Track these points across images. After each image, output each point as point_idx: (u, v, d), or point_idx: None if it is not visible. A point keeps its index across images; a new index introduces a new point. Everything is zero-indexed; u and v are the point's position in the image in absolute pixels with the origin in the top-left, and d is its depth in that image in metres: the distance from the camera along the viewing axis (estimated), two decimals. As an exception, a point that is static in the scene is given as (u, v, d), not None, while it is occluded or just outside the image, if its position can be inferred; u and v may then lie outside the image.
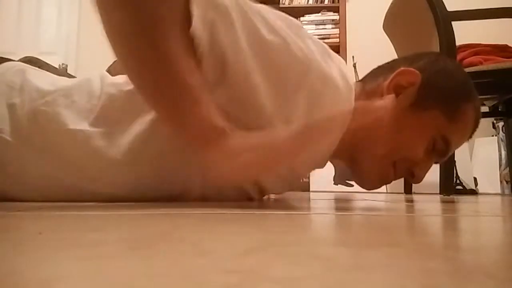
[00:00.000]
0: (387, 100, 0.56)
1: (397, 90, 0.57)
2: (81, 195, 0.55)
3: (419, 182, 0.60)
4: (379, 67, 0.63)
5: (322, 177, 2.10)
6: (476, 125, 0.61)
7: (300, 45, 0.49)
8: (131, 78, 0.45)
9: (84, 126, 0.53)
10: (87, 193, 0.54)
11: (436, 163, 0.62)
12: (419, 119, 0.56)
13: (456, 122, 0.57)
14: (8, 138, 0.54)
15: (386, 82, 0.57)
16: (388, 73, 0.58)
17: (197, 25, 0.43)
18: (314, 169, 0.63)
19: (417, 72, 0.56)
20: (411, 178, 0.59)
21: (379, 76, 0.60)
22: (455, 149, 0.61)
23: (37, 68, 0.63)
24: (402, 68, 0.57)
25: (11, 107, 0.55)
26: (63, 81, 0.60)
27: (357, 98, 0.55)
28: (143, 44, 0.42)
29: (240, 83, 0.47)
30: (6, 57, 0.67)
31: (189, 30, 0.43)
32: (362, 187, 0.62)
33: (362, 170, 0.60)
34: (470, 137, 0.62)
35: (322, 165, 0.61)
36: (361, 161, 0.59)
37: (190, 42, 0.43)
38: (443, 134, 0.56)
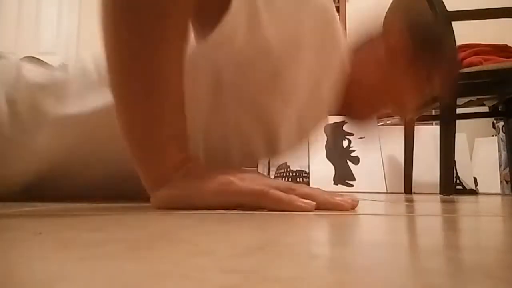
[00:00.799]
0: (376, 58, 0.62)
1: (387, 51, 0.62)
2: (77, 185, 0.56)
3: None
4: (366, 30, 0.70)
5: (322, 177, 2.11)
6: (457, 65, 0.71)
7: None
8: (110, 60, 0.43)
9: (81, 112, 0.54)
10: (84, 182, 0.57)
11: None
12: (407, 67, 0.62)
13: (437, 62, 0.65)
14: (8, 132, 0.55)
15: (376, 42, 0.64)
16: (376, 36, 0.65)
17: None
18: (320, 120, 0.67)
19: (404, 32, 0.63)
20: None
21: (368, 39, 0.67)
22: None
23: (31, 65, 0.64)
24: (390, 29, 0.64)
25: (10, 102, 0.56)
26: (58, 72, 0.61)
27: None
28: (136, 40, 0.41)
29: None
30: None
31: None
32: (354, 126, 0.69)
33: (353, 112, 0.67)
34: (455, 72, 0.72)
35: (325, 115, 0.66)
36: (358, 107, 0.65)
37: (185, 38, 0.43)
38: (428, 73, 0.63)
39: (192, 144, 0.47)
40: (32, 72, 0.59)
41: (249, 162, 0.66)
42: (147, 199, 0.43)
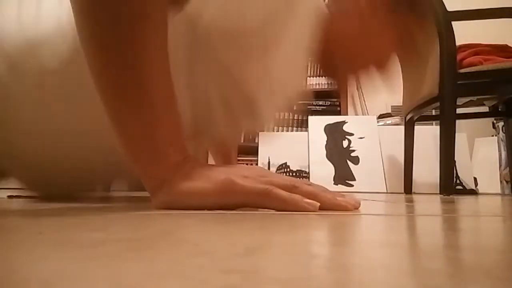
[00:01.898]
0: (362, 8, 0.62)
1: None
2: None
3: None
4: None
5: (322, 177, 2.11)
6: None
7: None
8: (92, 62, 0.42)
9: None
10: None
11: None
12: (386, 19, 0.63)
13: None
14: None
15: None
16: None
17: None
18: (300, 83, 0.68)
19: None
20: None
21: None
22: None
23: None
24: None
25: None
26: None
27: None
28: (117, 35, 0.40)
29: None
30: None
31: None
32: (334, 85, 0.69)
33: (333, 70, 0.66)
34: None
35: (304, 78, 0.67)
36: (333, 62, 0.65)
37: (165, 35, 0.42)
38: (407, 27, 0.65)
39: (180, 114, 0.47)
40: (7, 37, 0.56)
41: (233, 131, 0.67)
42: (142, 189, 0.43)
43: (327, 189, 0.43)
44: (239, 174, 0.41)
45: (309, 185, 0.43)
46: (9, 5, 0.58)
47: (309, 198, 0.40)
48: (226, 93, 0.58)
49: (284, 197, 0.39)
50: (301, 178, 2.17)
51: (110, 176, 0.65)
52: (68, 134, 0.57)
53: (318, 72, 2.71)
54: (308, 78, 2.71)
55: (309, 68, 2.72)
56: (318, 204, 0.39)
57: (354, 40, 0.62)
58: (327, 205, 0.40)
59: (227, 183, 0.40)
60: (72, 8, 0.41)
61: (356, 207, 0.43)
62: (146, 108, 0.41)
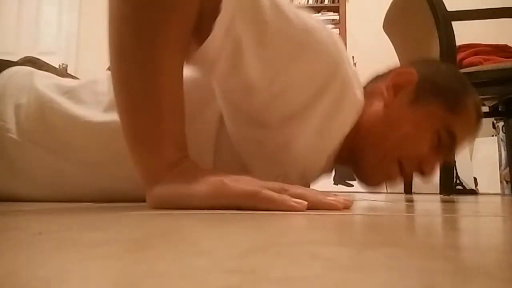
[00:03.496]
0: (387, 100, 0.58)
1: (396, 89, 0.58)
2: (84, 189, 0.56)
3: (429, 179, 0.61)
4: (377, 75, 0.66)
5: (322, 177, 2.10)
6: (478, 118, 0.63)
7: (330, 45, 0.50)
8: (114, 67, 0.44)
9: (92, 116, 0.56)
10: (90, 185, 0.57)
11: (445, 160, 0.62)
12: (420, 114, 0.58)
13: (458, 113, 0.58)
14: (15, 137, 0.56)
15: (385, 83, 0.60)
16: (386, 76, 0.61)
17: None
18: (321, 173, 0.64)
19: (414, 70, 0.59)
20: (421, 175, 0.60)
21: (378, 80, 0.63)
22: (462, 144, 0.61)
23: (44, 72, 0.65)
24: (399, 69, 0.59)
25: (18, 107, 0.58)
26: (69, 82, 0.63)
27: None
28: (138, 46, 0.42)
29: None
30: (6, 58, 0.67)
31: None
32: (367, 186, 0.63)
33: (366, 168, 0.61)
34: (475, 131, 0.63)
35: (328, 169, 0.62)
36: (365, 160, 0.60)
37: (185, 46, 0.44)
38: (447, 126, 0.58)
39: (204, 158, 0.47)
40: (43, 80, 0.60)
41: None
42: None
43: (318, 191, 0.44)
44: (231, 178, 0.42)
45: (299, 188, 0.43)
46: None
47: (298, 199, 0.40)
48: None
49: (273, 197, 0.40)
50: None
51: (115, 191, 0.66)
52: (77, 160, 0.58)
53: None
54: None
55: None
56: (306, 203, 0.39)
57: (384, 133, 0.57)
58: (316, 205, 0.41)
59: (217, 185, 0.41)
60: (108, 10, 0.43)
61: (347, 206, 0.43)
62: (154, 104, 0.43)
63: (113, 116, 0.52)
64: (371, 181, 0.62)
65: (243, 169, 0.55)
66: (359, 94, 0.55)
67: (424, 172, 0.59)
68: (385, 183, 0.62)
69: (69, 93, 0.59)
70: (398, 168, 0.59)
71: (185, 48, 0.44)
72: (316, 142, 0.54)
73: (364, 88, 0.61)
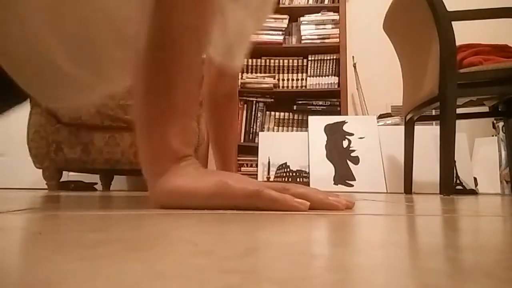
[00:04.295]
0: None
1: None
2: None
3: None
4: None
5: (322, 177, 2.11)
6: None
7: None
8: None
9: None
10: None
11: None
12: None
13: None
14: None
15: None
16: None
17: None
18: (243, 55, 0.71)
19: None
20: None
21: None
22: None
23: None
24: None
25: None
26: None
27: None
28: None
29: None
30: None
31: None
32: None
33: None
34: None
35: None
36: None
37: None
38: None
39: None
40: None
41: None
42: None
43: (320, 191, 0.44)
44: (233, 178, 0.42)
45: (301, 187, 0.43)
46: None
47: (300, 199, 0.40)
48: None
49: (275, 197, 0.40)
50: (301, 178, 2.17)
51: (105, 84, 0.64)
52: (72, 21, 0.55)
53: (318, 73, 2.72)
54: (308, 78, 2.71)
55: (309, 69, 2.72)
56: (309, 203, 0.40)
57: None
58: (318, 205, 0.41)
59: (219, 185, 0.41)
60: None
61: (348, 207, 0.43)
62: (171, 101, 0.44)
63: None
64: None
65: None
66: None
67: None
68: None
69: None
70: None
71: (200, 70, 0.48)
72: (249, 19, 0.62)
73: None
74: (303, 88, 2.72)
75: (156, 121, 0.44)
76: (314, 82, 2.72)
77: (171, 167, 0.43)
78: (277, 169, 2.27)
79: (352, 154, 2.19)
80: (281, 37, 2.71)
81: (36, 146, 1.79)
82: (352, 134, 2.27)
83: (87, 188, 1.80)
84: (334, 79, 2.68)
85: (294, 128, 2.70)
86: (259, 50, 2.67)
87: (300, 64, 2.75)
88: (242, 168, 2.55)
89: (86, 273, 0.13)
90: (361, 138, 2.25)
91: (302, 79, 2.73)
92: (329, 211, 0.40)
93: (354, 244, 0.20)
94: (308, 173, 2.15)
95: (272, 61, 2.76)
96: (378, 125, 2.32)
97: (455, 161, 1.46)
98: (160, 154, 0.44)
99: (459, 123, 1.53)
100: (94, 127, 1.77)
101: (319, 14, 2.72)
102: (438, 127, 1.53)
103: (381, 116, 2.51)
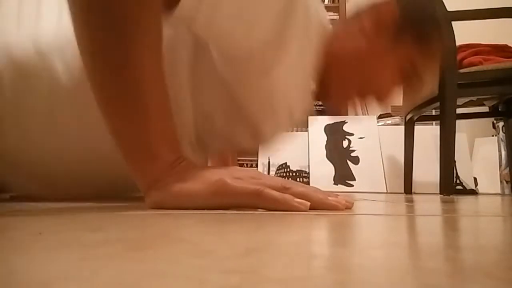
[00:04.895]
0: (367, 35, 0.61)
1: (377, 25, 0.61)
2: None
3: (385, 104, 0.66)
4: (357, 10, 0.68)
5: (322, 177, 2.11)
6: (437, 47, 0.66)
7: None
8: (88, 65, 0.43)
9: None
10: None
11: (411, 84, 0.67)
12: (393, 51, 0.61)
13: (425, 47, 0.62)
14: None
15: (366, 19, 0.62)
16: (366, 12, 0.63)
17: None
18: (306, 102, 0.67)
19: (394, 6, 0.61)
20: (378, 101, 0.65)
21: (359, 15, 0.65)
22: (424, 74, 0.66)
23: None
24: (380, 6, 0.62)
25: None
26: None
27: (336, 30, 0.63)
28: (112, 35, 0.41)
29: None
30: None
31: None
32: (334, 112, 0.69)
33: (334, 99, 0.66)
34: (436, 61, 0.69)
35: (309, 97, 0.66)
36: (334, 91, 0.65)
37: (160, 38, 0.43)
38: (413, 60, 0.62)
39: (184, 132, 0.47)
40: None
41: (232, 145, 0.69)
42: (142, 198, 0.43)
43: (319, 190, 0.43)
44: (231, 176, 0.41)
45: (301, 186, 0.43)
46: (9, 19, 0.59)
47: (300, 198, 0.40)
48: (227, 109, 0.58)
49: (276, 197, 0.39)
50: (301, 178, 2.17)
51: (113, 188, 0.65)
52: (75, 148, 0.57)
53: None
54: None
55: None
56: (309, 203, 0.39)
57: (356, 66, 0.61)
58: (318, 205, 0.41)
59: (219, 184, 0.40)
60: (70, 13, 0.41)
61: (348, 207, 0.43)
62: (139, 108, 0.42)
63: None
64: (339, 109, 0.67)
65: (224, 108, 0.58)
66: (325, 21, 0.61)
67: (381, 99, 0.64)
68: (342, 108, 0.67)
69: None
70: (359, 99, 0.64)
71: (161, 38, 0.43)
72: (296, 75, 0.57)
73: (346, 22, 0.66)
74: (303, 88, 2.71)
75: (133, 138, 0.42)
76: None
77: (164, 178, 0.42)
78: (277, 169, 2.27)
79: (352, 154, 2.19)
80: (281, 37, 2.70)
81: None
82: (352, 134, 2.27)
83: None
84: (334, 79, 2.68)
85: (294, 128, 2.70)
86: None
87: (300, 64, 2.74)
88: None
89: (86, 273, 0.13)
90: (361, 138, 2.25)
91: (302, 79, 2.73)
92: (329, 211, 0.40)
93: (354, 244, 0.20)
94: (308, 173, 2.15)
95: (272, 61, 2.76)
96: (378, 125, 2.32)
97: (455, 161, 1.46)
98: (149, 169, 0.42)
99: (459, 123, 1.53)
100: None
101: (319, 14, 2.72)
102: (438, 127, 1.53)
103: (381, 116, 2.51)
